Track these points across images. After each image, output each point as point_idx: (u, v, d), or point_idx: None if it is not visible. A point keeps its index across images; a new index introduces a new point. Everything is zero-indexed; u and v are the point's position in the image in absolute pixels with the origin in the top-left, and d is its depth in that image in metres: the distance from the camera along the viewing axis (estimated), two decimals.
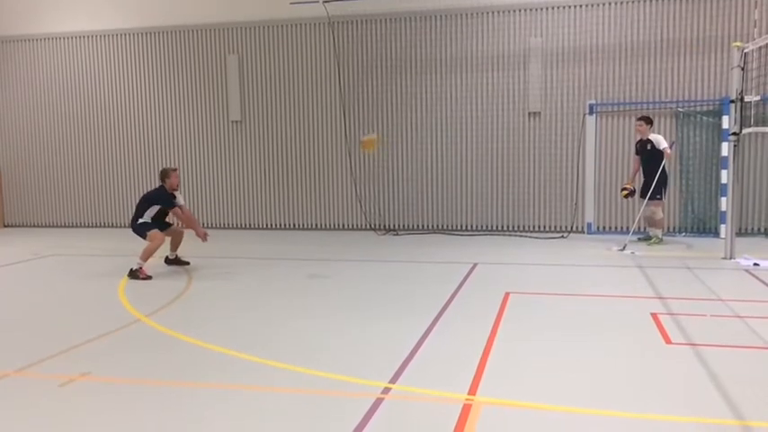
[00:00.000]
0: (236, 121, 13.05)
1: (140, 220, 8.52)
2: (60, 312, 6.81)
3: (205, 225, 12.96)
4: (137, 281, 8.09)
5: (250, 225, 13.19)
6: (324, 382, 4.51)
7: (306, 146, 12.83)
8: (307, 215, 12.96)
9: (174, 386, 4.53)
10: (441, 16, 11.99)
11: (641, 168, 10.29)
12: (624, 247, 9.69)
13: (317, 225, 12.92)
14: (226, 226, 13.28)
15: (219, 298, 7.29)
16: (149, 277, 8.16)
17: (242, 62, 12.88)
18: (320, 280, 8.20)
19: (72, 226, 14.01)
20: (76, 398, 4.33)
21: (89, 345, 5.49)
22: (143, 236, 8.46)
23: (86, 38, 13.57)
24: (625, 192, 10.33)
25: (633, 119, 10.98)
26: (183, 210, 8.86)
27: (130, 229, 8.68)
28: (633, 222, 10.59)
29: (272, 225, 13.13)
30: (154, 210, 8.54)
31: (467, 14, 11.88)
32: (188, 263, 9.01)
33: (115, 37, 13.43)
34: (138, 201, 8.84)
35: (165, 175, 8.64)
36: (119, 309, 6.77)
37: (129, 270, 8.26)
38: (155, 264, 8.74)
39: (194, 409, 4.11)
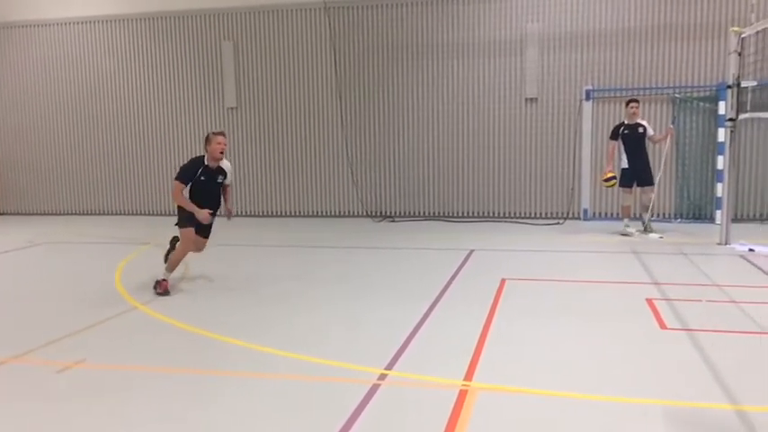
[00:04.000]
0: (232, 108, 12.98)
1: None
2: (56, 300, 6.78)
3: None
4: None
5: (246, 212, 13.13)
6: (320, 369, 4.52)
7: (302, 132, 12.78)
8: (303, 202, 12.93)
9: (168, 373, 4.53)
10: (437, 2, 11.90)
11: (627, 153, 9.74)
12: (646, 229, 9.73)
13: (313, 212, 12.90)
14: (220, 213, 13.19)
15: (215, 286, 7.28)
16: (167, 293, 6.65)
17: (237, 48, 12.80)
18: (316, 266, 8.19)
19: (67, 213, 13.94)
20: (73, 384, 4.34)
21: (85, 332, 5.49)
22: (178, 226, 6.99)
23: (80, 24, 13.45)
24: (613, 182, 9.73)
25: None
26: (225, 190, 7.42)
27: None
28: (638, 206, 10.24)
29: (268, 212, 13.10)
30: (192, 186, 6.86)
31: (464, 0, 11.80)
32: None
33: (109, 23, 13.32)
34: None
35: (206, 141, 6.84)
36: (115, 296, 6.75)
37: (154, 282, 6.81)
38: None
39: (189, 396, 4.11)
